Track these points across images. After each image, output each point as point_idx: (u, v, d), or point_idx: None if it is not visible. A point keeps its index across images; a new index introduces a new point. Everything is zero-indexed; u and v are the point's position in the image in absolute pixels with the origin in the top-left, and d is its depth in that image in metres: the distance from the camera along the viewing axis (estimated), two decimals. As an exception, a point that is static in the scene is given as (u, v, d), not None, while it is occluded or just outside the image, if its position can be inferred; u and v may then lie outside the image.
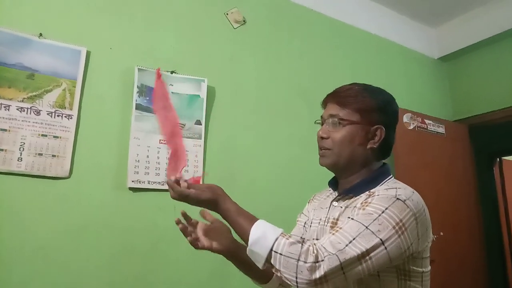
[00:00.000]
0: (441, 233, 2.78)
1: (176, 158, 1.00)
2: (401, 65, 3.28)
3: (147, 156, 1.94)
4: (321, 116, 1.14)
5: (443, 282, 2.75)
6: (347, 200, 1.07)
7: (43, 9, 1.85)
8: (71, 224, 1.74)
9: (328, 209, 1.12)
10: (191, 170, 2.04)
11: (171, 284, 1.92)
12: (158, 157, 1.97)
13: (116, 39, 2.01)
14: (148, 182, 1.92)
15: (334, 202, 1.10)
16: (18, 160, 1.66)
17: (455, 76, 3.54)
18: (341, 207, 1.06)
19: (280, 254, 0.83)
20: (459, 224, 3.07)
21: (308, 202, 1.30)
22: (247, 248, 0.88)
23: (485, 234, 3.30)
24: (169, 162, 1.01)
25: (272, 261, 0.84)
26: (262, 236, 0.87)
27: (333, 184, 1.17)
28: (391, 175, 1.09)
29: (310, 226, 1.17)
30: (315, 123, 1.18)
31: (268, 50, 2.54)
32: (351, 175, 1.09)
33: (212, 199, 0.98)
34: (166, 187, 1.95)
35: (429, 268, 1.01)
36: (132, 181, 1.88)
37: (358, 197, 1.04)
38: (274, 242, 0.85)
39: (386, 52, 3.20)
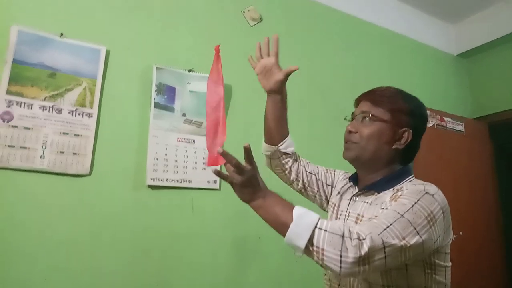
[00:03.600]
0: (461, 233, 2.75)
1: (214, 131, 0.99)
2: (420, 62, 3.23)
3: (166, 154, 1.96)
4: (352, 113, 1.18)
5: (461, 282, 2.70)
6: (370, 196, 1.09)
7: (64, 10, 1.88)
8: (92, 221, 1.77)
9: (348, 202, 1.15)
10: (209, 168, 2.05)
11: (189, 282, 1.94)
12: (176, 155, 1.99)
13: (135, 38, 2.03)
14: (167, 180, 1.94)
15: (354, 197, 1.14)
16: (40, 158, 1.70)
17: (474, 73, 3.48)
18: (365, 203, 1.08)
19: (325, 230, 0.83)
20: (478, 224, 3.02)
21: (343, 176, 1.32)
22: (291, 224, 0.85)
23: (505, 234, 3.24)
24: (206, 135, 1.00)
25: (315, 239, 0.83)
26: (306, 213, 0.87)
27: (354, 179, 1.21)
28: (413, 175, 1.12)
29: (333, 213, 1.20)
30: (345, 119, 1.21)
31: (285, 47, 2.51)
32: (373, 172, 1.12)
33: (260, 180, 0.95)
34: (184, 184, 1.98)
35: (450, 264, 1.04)
36: (151, 179, 1.90)
37: (382, 193, 1.06)
38: (318, 220, 0.85)
39: (404, 49, 3.16)
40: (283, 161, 1.31)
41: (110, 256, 1.79)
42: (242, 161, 0.91)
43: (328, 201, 1.30)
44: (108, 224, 1.80)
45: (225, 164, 0.93)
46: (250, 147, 0.90)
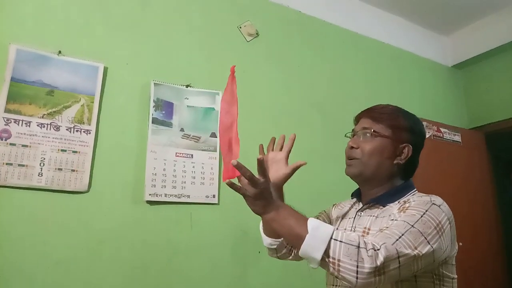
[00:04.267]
0: (460, 244, 2.73)
1: (228, 151, 1.00)
2: (415, 74, 3.26)
3: (164, 169, 1.96)
4: (353, 130, 1.20)
5: (463, 293, 2.69)
6: (375, 210, 1.11)
7: (61, 28, 1.90)
8: (90, 238, 1.76)
9: (353, 219, 1.16)
10: (207, 182, 2.06)
11: (188, 297, 1.92)
12: (174, 170, 1.99)
13: (132, 55, 2.05)
14: (165, 195, 1.94)
15: (360, 212, 1.15)
16: (38, 175, 1.69)
17: (470, 83, 3.51)
18: (371, 216, 1.09)
19: (340, 241, 0.83)
20: (477, 234, 3.01)
21: (333, 206, 1.35)
22: (306, 236, 0.85)
23: (505, 243, 3.23)
24: (222, 153, 1.00)
25: (331, 250, 0.83)
26: (321, 225, 0.87)
27: (357, 195, 1.22)
28: (415, 189, 1.14)
29: None
30: (345, 136, 1.23)
31: (281, 62, 2.56)
32: (375, 187, 1.13)
33: (273, 193, 0.95)
34: (182, 199, 1.97)
35: (457, 276, 1.05)
36: (150, 194, 1.90)
37: (387, 206, 1.08)
38: (333, 231, 0.86)
39: (400, 61, 3.19)
40: (290, 247, 1.26)
41: (109, 272, 1.77)
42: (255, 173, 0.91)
43: None
44: (106, 240, 1.79)
45: (238, 177, 0.93)
46: (263, 160, 0.90)
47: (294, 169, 1.12)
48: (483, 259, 2.99)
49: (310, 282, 2.09)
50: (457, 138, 3.15)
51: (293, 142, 1.18)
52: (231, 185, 0.92)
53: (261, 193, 0.91)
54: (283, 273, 2.16)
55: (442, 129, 3.07)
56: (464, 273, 2.71)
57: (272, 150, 1.21)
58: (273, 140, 1.23)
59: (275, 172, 1.14)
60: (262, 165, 0.91)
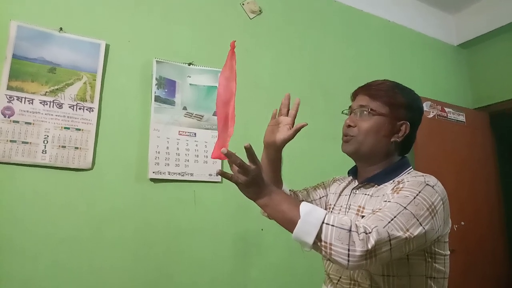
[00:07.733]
0: (462, 223, 2.75)
1: (224, 125, 1.00)
2: (420, 53, 3.22)
3: (167, 148, 1.96)
4: (349, 107, 1.18)
5: (464, 271, 2.72)
6: (370, 189, 1.11)
7: (63, 4, 1.87)
8: (94, 215, 1.78)
9: (348, 196, 1.16)
10: (210, 161, 2.06)
11: (191, 276, 1.94)
12: (177, 148, 1.99)
13: (134, 32, 2.03)
14: (169, 173, 1.95)
15: (355, 190, 1.15)
16: (42, 153, 1.70)
17: (475, 63, 3.46)
18: (366, 195, 1.10)
19: (332, 225, 0.84)
20: (480, 213, 3.03)
21: (333, 179, 1.34)
22: (298, 221, 0.85)
23: (507, 223, 3.25)
24: (218, 130, 1.00)
25: (323, 235, 0.84)
26: (313, 210, 0.87)
27: (354, 172, 1.22)
28: (411, 166, 1.14)
29: (332, 211, 1.20)
30: (342, 113, 1.21)
31: (284, 40, 2.53)
32: (372, 165, 1.13)
33: (265, 178, 0.94)
34: (186, 177, 1.98)
35: (449, 252, 1.06)
36: (153, 172, 1.91)
37: (382, 185, 1.08)
38: (325, 216, 0.86)
39: (405, 40, 3.15)
40: None
41: (112, 251, 1.79)
42: (246, 160, 0.90)
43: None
44: (110, 218, 1.81)
45: (229, 164, 0.92)
46: (251, 147, 0.90)
47: (296, 131, 1.10)
48: (485, 237, 3.01)
49: (313, 260, 2.11)
50: (461, 118, 3.13)
51: (297, 107, 1.15)
52: (223, 174, 0.91)
53: (253, 179, 0.90)
54: (286, 251, 2.18)
55: (447, 109, 3.05)
56: (466, 250, 2.75)
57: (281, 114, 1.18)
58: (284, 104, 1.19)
59: (278, 134, 1.13)
60: (251, 152, 0.90)
